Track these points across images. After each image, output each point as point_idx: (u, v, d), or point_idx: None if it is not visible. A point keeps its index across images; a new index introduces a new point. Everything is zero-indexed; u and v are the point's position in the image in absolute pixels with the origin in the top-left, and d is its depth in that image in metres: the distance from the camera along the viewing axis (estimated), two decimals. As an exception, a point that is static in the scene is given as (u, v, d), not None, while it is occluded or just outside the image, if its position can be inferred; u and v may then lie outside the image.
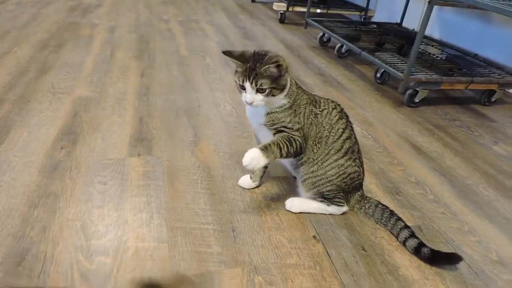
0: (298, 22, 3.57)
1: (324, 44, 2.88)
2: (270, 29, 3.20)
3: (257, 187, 1.19)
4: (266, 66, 0.92)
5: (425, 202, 1.22)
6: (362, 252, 0.99)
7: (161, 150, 1.33)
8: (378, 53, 2.28)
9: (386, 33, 2.79)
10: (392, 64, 2.04)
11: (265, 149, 0.96)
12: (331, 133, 1.02)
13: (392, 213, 1.06)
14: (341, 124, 1.03)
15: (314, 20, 2.84)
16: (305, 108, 1.01)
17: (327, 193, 1.06)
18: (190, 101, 1.73)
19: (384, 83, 2.22)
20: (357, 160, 1.06)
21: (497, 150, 1.61)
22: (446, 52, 2.50)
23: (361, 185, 1.11)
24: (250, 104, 0.96)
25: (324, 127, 1.02)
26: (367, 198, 1.12)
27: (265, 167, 1.16)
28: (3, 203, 1.03)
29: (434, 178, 1.36)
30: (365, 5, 3.56)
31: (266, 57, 0.94)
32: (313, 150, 1.03)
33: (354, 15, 3.77)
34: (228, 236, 1.00)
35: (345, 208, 1.10)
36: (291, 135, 1.00)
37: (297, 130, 1.00)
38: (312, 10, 3.34)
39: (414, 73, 1.91)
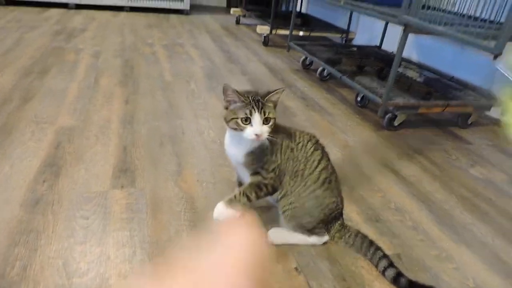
0: (282, 44, 3.65)
1: (306, 67, 2.95)
2: (254, 52, 3.26)
3: None
4: (274, 92, 0.98)
5: (404, 229, 1.25)
6: (343, 283, 1.01)
7: (145, 181, 1.34)
8: (358, 77, 2.35)
9: (366, 56, 2.88)
10: (371, 89, 2.10)
11: (229, 201, 1.04)
12: (307, 166, 1.05)
13: (371, 242, 1.09)
14: (317, 156, 1.06)
15: (296, 44, 2.91)
16: (282, 144, 1.04)
17: (307, 224, 1.08)
18: (174, 128, 1.75)
19: (365, 106, 2.28)
20: (334, 190, 1.09)
21: (473, 173, 1.66)
22: (424, 75, 2.58)
23: (340, 214, 1.14)
24: (258, 136, 0.95)
25: (299, 160, 1.05)
26: (347, 227, 1.14)
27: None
28: (-17, 241, 1.02)
29: (413, 203, 1.40)
30: (346, 28, 3.66)
31: (266, 91, 0.99)
32: (290, 184, 1.06)
33: (335, 37, 3.87)
34: (210, 270, 1.00)
35: (326, 238, 1.12)
36: (263, 180, 1.04)
37: (272, 170, 1.04)
38: (295, 32, 3.43)
39: (393, 98, 1.98)
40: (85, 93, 2.02)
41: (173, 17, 4.47)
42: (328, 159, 1.10)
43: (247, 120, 0.96)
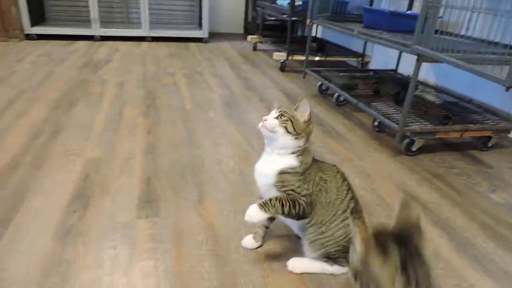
0: (298, 69, 3.72)
1: (323, 92, 3.00)
2: (271, 78, 3.34)
3: (259, 246, 1.24)
4: (299, 103, 1.07)
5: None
6: (362, 314, 1.02)
7: (168, 211, 1.40)
8: (375, 102, 2.38)
9: (382, 80, 2.92)
10: (387, 115, 2.13)
11: (264, 204, 1.04)
12: (338, 196, 1.09)
13: None
14: (345, 186, 1.10)
15: (312, 70, 2.98)
16: (315, 176, 1.09)
17: (334, 253, 1.10)
18: (194, 158, 1.81)
19: (382, 131, 2.29)
20: (360, 219, 1.11)
21: (495, 198, 1.65)
22: (441, 98, 2.59)
23: None
24: (264, 123, 1.06)
25: (332, 191, 1.09)
26: None
27: (267, 227, 1.22)
28: (20, 273, 1.08)
29: (433, 231, 1.40)
30: (361, 51, 3.72)
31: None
32: (321, 213, 1.09)
33: (352, 61, 3.93)
34: (232, 301, 1.03)
35: (346, 269, 1.14)
36: (298, 199, 1.07)
37: (304, 195, 1.07)
38: (311, 58, 3.51)
39: (409, 124, 2.00)
40: (110, 125, 2.12)
41: (192, 45, 4.64)
42: (353, 191, 1.12)
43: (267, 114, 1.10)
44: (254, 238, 1.23)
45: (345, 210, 1.09)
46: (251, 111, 2.48)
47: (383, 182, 1.71)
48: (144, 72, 3.25)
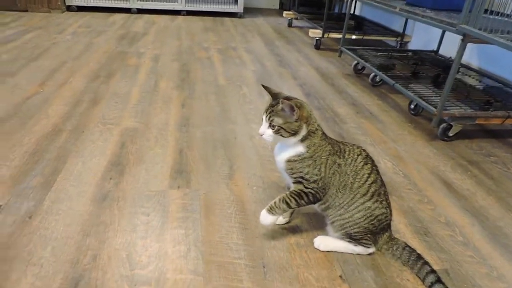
0: (334, 48, 3.63)
1: (358, 72, 2.93)
2: (305, 56, 3.28)
3: (287, 223, 1.26)
4: (280, 106, 1.03)
5: (453, 244, 1.23)
6: (387, 294, 1.03)
7: (199, 183, 1.44)
8: (412, 84, 2.30)
9: (421, 62, 2.80)
10: (425, 97, 2.06)
11: (271, 208, 1.11)
12: (356, 179, 1.07)
13: (419, 256, 1.09)
14: (366, 170, 1.08)
15: (348, 49, 2.90)
16: (327, 159, 1.08)
17: (355, 234, 1.11)
18: (227, 133, 1.83)
19: (418, 114, 2.23)
20: (383, 202, 1.11)
21: (534, 189, 1.58)
22: (484, 83, 2.47)
23: (389, 225, 1.15)
24: (261, 135, 1.09)
25: (348, 174, 1.07)
26: (395, 240, 1.15)
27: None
28: (60, 231, 1.16)
29: (465, 218, 1.37)
30: (401, 31, 3.57)
31: (284, 99, 1.04)
32: (337, 196, 1.09)
33: (390, 41, 3.79)
34: (258, 272, 1.07)
35: (371, 249, 1.14)
36: (304, 189, 1.09)
37: (314, 181, 1.08)
38: (347, 36, 3.41)
39: (448, 107, 1.92)
40: (145, 97, 2.17)
41: (227, 20, 4.61)
42: (378, 173, 1.11)
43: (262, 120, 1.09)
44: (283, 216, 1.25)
45: (365, 194, 1.08)
46: (283, 88, 2.46)
47: (415, 166, 1.68)
48: (179, 46, 3.28)
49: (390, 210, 1.14)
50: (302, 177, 1.08)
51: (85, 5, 4.41)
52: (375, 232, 1.12)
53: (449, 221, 1.34)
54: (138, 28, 3.83)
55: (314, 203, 1.12)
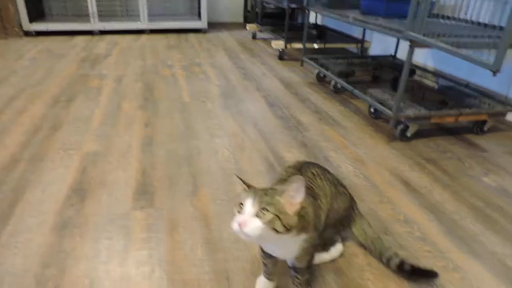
0: (297, 58, 3.72)
1: (321, 79, 3.01)
2: (269, 68, 3.34)
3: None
4: (294, 183, 0.78)
5: (412, 240, 1.28)
6: (348, 296, 1.05)
7: (162, 202, 1.44)
8: (372, 89, 2.38)
9: (380, 66, 2.91)
10: (382, 101, 2.13)
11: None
12: (328, 200, 1.06)
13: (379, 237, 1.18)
14: (328, 187, 1.07)
15: (309, 58, 2.98)
16: (318, 213, 0.97)
17: (329, 240, 1.13)
18: (191, 149, 1.84)
19: (379, 118, 2.30)
20: (345, 200, 1.13)
21: (487, 181, 1.66)
22: (439, 83, 2.59)
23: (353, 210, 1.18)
24: (239, 227, 0.76)
25: (325, 205, 1.04)
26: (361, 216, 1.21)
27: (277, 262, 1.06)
28: (18, 264, 1.13)
29: (423, 214, 1.42)
30: (361, 37, 3.70)
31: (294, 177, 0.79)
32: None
33: (351, 48, 3.91)
34: (222, 285, 1.07)
35: (341, 246, 1.19)
36: (309, 261, 0.98)
37: (316, 241, 0.95)
38: (310, 45, 3.51)
39: (404, 109, 2.00)
40: (108, 119, 2.15)
41: (191, 36, 4.64)
42: (328, 179, 1.10)
43: (240, 207, 0.79)
44: (268, 278, 1.06)
45: (336, 206, 1.08)
46: (248, 101, 2.50)
47: (376, 168, 1.73)
48: (143, 65, 3.28)
49: (350, 195, 1.16)
50: (312, 249, 0.94)
51: (45, 29, 4.34)
52: (344, 226, 1.16)
53: (408, 218, 1.39)
54: (101, 49, 3.80)
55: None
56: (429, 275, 1.12)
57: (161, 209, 1.40)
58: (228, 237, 1.26)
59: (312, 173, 1.07)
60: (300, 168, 1.07)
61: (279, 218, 0.77)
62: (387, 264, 1.14)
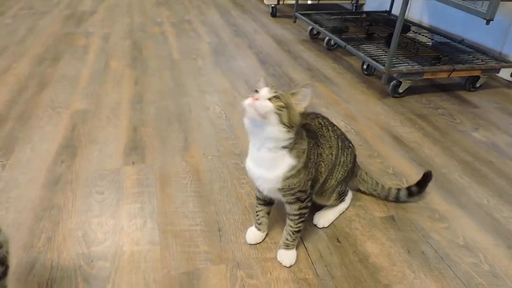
0: (290, 14, 3.61)
1: (314, 36, 2.94)
2: (262, 24, 3.25)
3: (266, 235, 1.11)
4: (303, 88, 0.87)
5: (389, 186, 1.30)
6: (336, 244, 1.08)
7: (154, 157, 1.43)
8: (364, 45, 2.34)
9: (375, 23, 2.84)
10: (376, 57, 2.10)
11: (287, 246, 1.01)
12: (333, 153, 1.06)
13: (377, 182, 1.25)
14: (334, 139, 1.07)
15: (302, 14, 2.89)
16: (315, 157, 0.99)
17: (341, 191, 1.14)
18: (181, 106, 1.82)
19: (371, 74, 2.28)
20: (349, 149, 1.14)
21: (476, 136, 1.68)
22: (434, 40, 2.54)
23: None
24: (254, 103, 0.82)
25: (328, 155, 1.05)
26: (362, 175, 1.25)
27: (268, 213, 1.09)
28: (12, 218, 1.14)
29: (412, 168, 1.44)
30: (355, -7, 3.58)
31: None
32: (323, 176, 1.05)
33: (346, 4, 3.80)
34: (214, 236, 1.10)
35: (350, 193, 1.22)
36: (303, 205, 0.98)
37: (308, 188, 0.97)
38: (303, 1, 3.40)
39: (397, 65, 1.98)
40: (96, 77, 2.11)
41: (181, -7, 4.46)
42: (334, 128, 1.11)
43: (256, 92, 0.87)
44: (259, 228, 1.09)
45: (341, 156, 1.09)
46: (239, 58, 2.45)
47: (367, 124, 1.73)
48: (131, 23, 3.17)
49: (353, 147, 1.17)
50: (300, 191, 0.95)
51: (27, -15, 4.13)
52: (351, 175, 1.18)
53: (397, 171, 1.41)
54: (86, 6, 3.65)
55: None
56: (427, 177, 1.24)
57: (152, 164, 1.40)
58: (219, 191, 1.28)
59: (320, 123, 1.07)
60: (307, 116, 1.04)
61: (288, 110, 0.84)
62: (396, 200, 1.24)
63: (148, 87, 2.01)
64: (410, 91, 2.02)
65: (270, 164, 0.90)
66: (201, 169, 1.38)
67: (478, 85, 2.12)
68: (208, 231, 1.12)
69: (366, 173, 1.26)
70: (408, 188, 1.23)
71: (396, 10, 3.02)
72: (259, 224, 1.08)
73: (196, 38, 2.83)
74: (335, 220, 1.17)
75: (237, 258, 1.03)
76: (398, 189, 1.24)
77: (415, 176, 1.39)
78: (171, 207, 1.20)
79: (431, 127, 1.73)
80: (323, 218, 1.15)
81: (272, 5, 3.51)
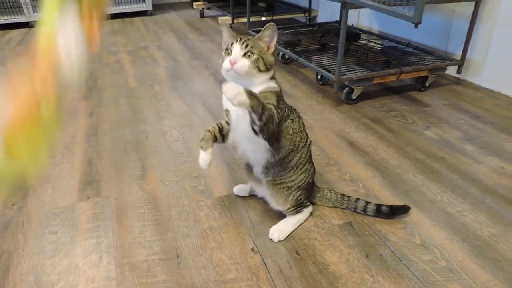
0: (246, 32, 3.67)
1: (270, 52, 2.99)
2: (218, 45, 3.29)
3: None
4: (268, 29, 0.96)
5: (357, 197, 1.32)
6: (296, 257, 1.09)
7: (110, 189, 1.41)
8: (317, 56, 2.40)
9: (327, 33, 2.92)
10: (327, 67, 2.16)
11: (250, 91, 0.89)
12: (302, 139, 1.11)
13: (342, 194, 1.25)
14: (305, 133, 1.14)
15: (255, 30, 2.95)
16: (285, 109, 1.05)
17: (299, 198, 1.15)
18: (138, 134, 1.80)
19: (326, 84, 2.34)
20: (310, 158, 1.18)
21: (428, 134, 1.74)
22: (383, 45, 2.64)
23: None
24: (232, 64, 0.91)
25: (296, 133, 1.09)
26: (320, 188, 1.27)
27: (215, 140, 1.05)
28: (-44, 269, 1.08)
29: (367, 172, 1.47)
30: (307, 6, 3.69)
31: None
32: (288, 152, 1.08)
33: (299, 17, 3.90)
34: (173, 263, 1.08)
35: (311, 207, 1.22)
36: (274, 115, 0.95)
37: (277, 118, 0.97)
38: (257, 19, 3.47)
39: (347, 73, 2.04)
40: (50, 112, 2.06)
41: (137, 19, 4.47)
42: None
43: (228, 52, 0.96)
44: (204, 149, 1.03)
45: (306, 154, 1.13)
46: (196, 80, 2.46)
47: (323, 132, 1.77)
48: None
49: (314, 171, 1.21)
50: (274, 105, 0.97)
51: (-24, 25, 4.04)
52: (310, 190, 1.20)
53: (353, 177, 1.44)
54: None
55: (268, 139, 0.98)
56: (404, 209, 1.22)
57: (108, 196, 1.37)
58: (177, 216, 1.26)
59: (299, 116, 1.13)
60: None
61: (262, 58, 0.95)
62: (363, 212, 1.22)
63: (103, 118, 1.98)
64: (364, 97, 2.08)
65: (250, 86, 0.94)
66: (159, 196, 1.36)
67: (427, 85, 2.21)
68: (166, 259, 1.09)
69: (330, 190, 1.27)
70: (378, 206, 1.20)
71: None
72: (203, 140, 1.03)
73: (152, 64, 2.83)
74: (293, 232, 1.17)
75: (197, 284, 1.01)
76: (367, 202, 1.22)
77: (370, 180, 1.42)
78: (128, 239, 1.17)
79: (385, 129, 1.78)
80: (278, 231, 1.15)
81: (227, 24, 3.56)
